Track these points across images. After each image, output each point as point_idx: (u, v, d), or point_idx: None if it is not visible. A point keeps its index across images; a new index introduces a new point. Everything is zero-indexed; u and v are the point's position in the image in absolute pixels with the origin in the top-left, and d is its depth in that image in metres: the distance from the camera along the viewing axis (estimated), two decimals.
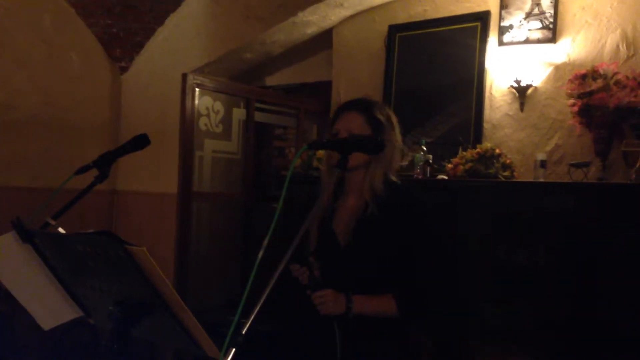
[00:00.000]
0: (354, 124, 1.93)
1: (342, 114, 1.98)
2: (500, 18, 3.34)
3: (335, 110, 2.04)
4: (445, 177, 3.17)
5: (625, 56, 3.02)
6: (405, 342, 1.97)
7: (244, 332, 1.22)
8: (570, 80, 2.96)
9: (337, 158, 1.78)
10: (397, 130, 2.01)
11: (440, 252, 1.98)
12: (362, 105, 1.98)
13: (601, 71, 2.89)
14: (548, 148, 3.18)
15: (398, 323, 1.93)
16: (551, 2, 3.18)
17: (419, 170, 3.24)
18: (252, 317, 1.26)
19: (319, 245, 1.96)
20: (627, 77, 2.85)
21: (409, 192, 1.98)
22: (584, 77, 2.91)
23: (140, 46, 4.72)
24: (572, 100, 2.95)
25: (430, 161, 3.26)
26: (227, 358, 1.19)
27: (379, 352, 1.91)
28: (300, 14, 3.84)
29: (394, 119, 2.02)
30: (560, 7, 3.19)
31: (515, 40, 3.28)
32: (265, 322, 1.43)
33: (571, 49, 3.16)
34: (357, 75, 3.99)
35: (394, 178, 1.98)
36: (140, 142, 1.86)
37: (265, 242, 1.48)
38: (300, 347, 1.93)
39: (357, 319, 1.86)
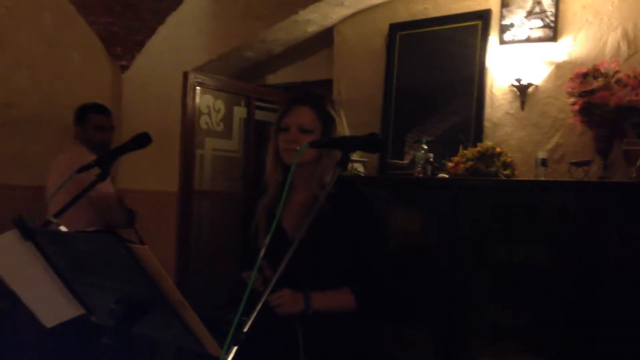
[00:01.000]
0: (304, 119, 1.90)
1: (292, 108, 1.93)
2: (501, 16, 3.34)
3: (285, 102, 1.98)
4: (446, 176, 3.17)
5: (627, 54, 3.02)
6: (368, 337, 1.97)
7: (245, 330, 1.23)
8: (571, 79, 2.96)
9: (293, 154, 1.81)
10: (344, 124, 1.98)
11: (388, 245, 1.99)
12: (312, 100, 1.94)
13: (602, 70, 2.88)
14: (549, 147, 3.18)
15: (359, 318, 1.92)
16: (552, 1, 3.18)
17: (419, 169, 3.24)
18: (254, 315, 1.27)
19: (270, 242, 1.94)
20: (628, 76, 2.85)
21: (354, 185, 1.97)
22: (585, 75, 2.91)
23: (141, 45, 4.72)
24: (573, 99, 2.95)
25: (431, 160, 3.26)
26: (229, 356, 1.19)
27: (342, 348, 1.90)
28: (301, 13, 3.84)
29: (341, 113, 1.98)
30: (561, 6, 3.18)
31: (516, 38, 3.28)
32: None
33: (572, 47, 3.16)
34: (358, 73, 3.99)
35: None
36: (142, 140, 1.87)
37: (267, 240, 1.48)
38: (264, 348, 1.90)
39: (318, 316, 1.85)
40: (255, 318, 1.26)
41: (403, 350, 3.03)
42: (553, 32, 3.17)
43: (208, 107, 4.17)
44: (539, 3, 3.21)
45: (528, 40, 3.23)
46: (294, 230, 1.92)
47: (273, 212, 1.93)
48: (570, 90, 2.95)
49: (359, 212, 1.90)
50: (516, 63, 3.24)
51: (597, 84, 2.84)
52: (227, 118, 4.33)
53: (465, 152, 3.14)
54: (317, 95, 1.98)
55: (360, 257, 1.89)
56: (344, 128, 1.96)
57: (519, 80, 3.23)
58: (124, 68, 4.84)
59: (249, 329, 1.23)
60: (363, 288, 1.88)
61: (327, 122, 1.91)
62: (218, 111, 4.25)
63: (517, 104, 3.30)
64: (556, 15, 3.17)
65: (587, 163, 2.89)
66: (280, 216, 1.92)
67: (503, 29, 3.33)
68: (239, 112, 4.38)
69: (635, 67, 2.92)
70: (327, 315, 1.86)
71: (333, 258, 1.89)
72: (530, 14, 3.24)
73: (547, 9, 3.19)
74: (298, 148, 1.83)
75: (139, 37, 4.67)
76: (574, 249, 2.66)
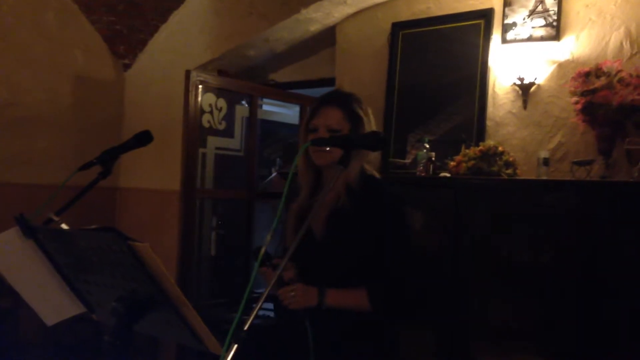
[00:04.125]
0: (333, 120, 1.91)
1: (320, 109, 1.94)
2: (504, 15, 3.34)
3: (314, 103, 1.99)
4: (448, 175, 3.17)
5: (629, 54, 3.01)
6: (380, 341, 1.95)
7: (246, 328, 1.23)
8: (574, 78, 2.95)
9: (322, 155, 1.82)
10: (373, 123, 1.99)
11: (412, 248, 1.96)
12: (340, 100, 1.96)
13: (605, 69, 2.88)
14: (551, 146, 3.18)
15: (373, 321, 1.91)
16: (555, 0, 3.17)
17: (421, 168, 3.24)
18: (254, 313, 1.27)
19: (299, 242, 1.95)
20: (631, 75, 2.84)
21: (382, 185, 1.97)
22: (587, 74, 2.90)
23: (143, 43, 4.73)
24: (575, 98, 2.94)
25: (433, 159, 3.26)
26: (230, 354, 1.19)
27: (353, 351, 1.90)
28: (303, 11, 3.84)
29: (370, 112, 1.99)
30: (564, 5, 3.18)
31: (518, 37, 3.27)
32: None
33: (575, 46, 3.16)
34: (360, 72, 3.99)
35: (371, 172, 1.98)
36: (144, 138, 1.87)
37: (268, 238, 1.48)
38: (274, 346, 1.92)
39: (331, 317, 1.85)
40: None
41: (405, 350, 3.03)
42: (555, 31, 3.17)
43: (210, 105, 4.17)
44: (542, 2, 3.21)
45: (530, 39, 3.23)
46: (320, 228, 1.93)
47: (303, 213, 1.94)
48: (572, 89, 2.95)
49: (379, 212, 1.90)
50: (518, 62, 3.23)
51: (599, 83, 2.84)
52: (230, 117, 4.33)
53: (467, 151, 3.14)
54: (345, 95, 2.00)
55: (379, 256, 1.89)
56: (372, 127, 1.97)
57: (521, 79, 3.22)
58: (127, 66, 4.85)
59: (248, 327, 1.23)
60: (379, 287, 1.87)
61: (355, 121, 1.93)
62: (220, 110, 4.25)
63: (520, 103, 3.30)
64: (559, 14, 3.17)
65: (589, 162, 2.88)
66: (309, 216, 1.95)
67: (505, 28, 3.32)
68: (241, 110, 4.38)
69: (638, 66, 2.91)
70: (340, 318, 1.87)
71: (351, 255, 1.89)
72: (532, 13, 3.24)
73: (550, 8, 3.18)
74: (327, 149, 1.85)
75: (142, 35, 4.67)
76: (576, 248, 2.65)
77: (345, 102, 1.95)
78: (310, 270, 1.91)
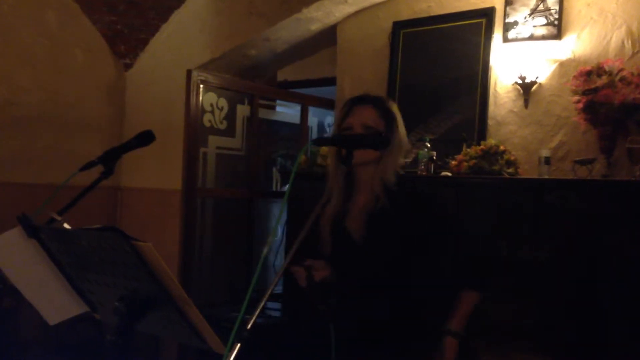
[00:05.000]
0: (368, 117, 1.92)
1: (355, 108, 1.96)
2: (505, 14, 3.33)
3: (345, 104, 2.01)
4: (449, 174, 3.17)
5: (631, 52, 3.01)
6: (402, 347, 1.94)
7: (249, 327, 1.23)
8: (575, 77, 2.95)
9: (356, 152, 1.80)
10: (402, 124, 2.01)
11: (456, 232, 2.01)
12: (374, 99, 1.98)
13: (606, 68, 2.88)
14: (552, 145, 3.17)
15: (396, 327, 1.92)
16: None
17: (422, 167, 3.24)
18: (257, 312, 1.27)
19: (334, 246, 1.95)
20: (632, 74, 2.84)
21: (414, 184, 1.99)
22: (588, 73, 2.90)
23: (144, 43, 4.73)
24: (576, 97, 2.94)
25: (434, 158, 3.26)
26: (232, 353, 1.19)
27: (375, 353, 1.91)
28: (304, 11, 3.84)
29: (399, 114, 2.02)
30: (565, 4, 3.18)
31: (520, 36, 3.27)
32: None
33: (576, 45, 3.15)
34: (361, 71, 3.99)
35: (400, 172, 2.00)
36: (146, 138, 1.87)
37: (270, 238, 1.48)
38: (297, 345, 1.93)
39: (356, 323, 1.87)
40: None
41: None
42: (557, 30, 3.17)
43: (211, 105, 4.17)
44: (543, 1, 3.21)
45: (532, 38, 3.23)
46: (358, 231, 1.93)
47: (337, 217, 1.95)
48: (574, 88, 2.95)
49: (424, 209, 1.91)
50: (520, 61, 3.23)
51: (601, 82, 2.84)
52: (231, 116, 4.33)
53: (468, 150, 3.14)
54: (376, 95, 2.03)
55: (449, 252, 1.93)
56: (402, 127, 1.99)
57: (522, 78, 3.22)
58: (128, 66, 4.85)
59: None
60: (472, 275, 1.94)
61: (389, 120, 1.94)
62: (221, 109, 4.25)
63: (521, 102, 3.30)
64: (560, 13, 3.17)
65: (590, 161, 2.88)
66: (345, 219, 1.95)
67: (507, 26, 3.32)
68: (242, 110, 4.38)
69: (639, 65, 2.91)
70: (364, 323, 1.89)
71: (398, 256, 1.89)
72: (534, 11, 3.24)
73: (551, 7, 3.18)
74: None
75: (143, 35, 4.67)
76: (578, 247, 2.65)
77: (378, 101, 1.98)
78: (350, 273, 1.92)
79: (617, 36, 3.05)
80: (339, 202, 1.97)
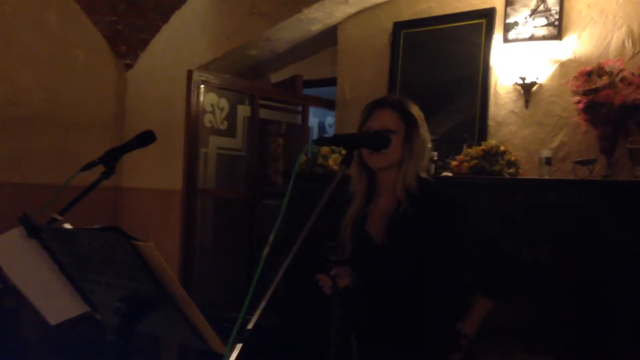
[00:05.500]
0: (389, 120, 1.91)
1: (375, 111, 1.95)
2: (506, 15, 3.34)
3: (365, 108, 2.00)
4: (450, 175, 3.17)
5: (631, 53, 3.01)
6: (416, 348, 1.94)
7: (249, 327, 1.23)
8: (576, 77, 2.95)
9: (379, 158, 1.83)
10: (425, 126, 1.99)
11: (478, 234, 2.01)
12: (395, 102, 1.97)
13: (607, 68, 2.88)
14: (553, 145, 3.17)
15: (416, 327, 1.92)
16: None
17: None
18: (258, 313, 1.27)
19: (355, 249, 1.95)
20: (633, 74, 2.84)
21: (440, 187, 1.97)
22: (589, 74, 2.90)
23: (145, 43, 4.73)
24: (577, 97, 2.94)
25: (435, 158, 3.26)
26: (233, 353, 1.19)
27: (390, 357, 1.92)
28: (305, 11, 3.84)
29: (422, 116, 1.99)
30: (566, 4, 3.18)
31: (520, 37, 3.27)
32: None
33: (577, 45, 3.15)
34: (361, 72, 3.99)
35: (424, 175, 1.97)
36: (146, 138, 1.87)
37: (271, 238, 1.48)
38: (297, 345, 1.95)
39: (376, 325, 1.89)
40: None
41: None
42: (557, 30, 3.17)
43: (212, 105, 4.17)
44: (544, 1, 3.21)
45: (532, 38, 3.23)
46: (379, 234, 1.92)
47: (358, 220, 1.95)
48: (574, 88, 2.95)
49: (444, 214, 1.90)
50: (520, 61, 3.23)
51: (601, 82, 2.84)
52: (231, 116, 4.33)
53: (469, 150, 3.14)
54: (397, 98, 2.02)
55: (468, 257, 1.93)
56: (425, 128, 1.97)
57: (523, 79, 3.22)
58: (129, 66, 4.85)
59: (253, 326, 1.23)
60: (490, 284, 1.97)
61: (410, 122, 1.92)
62: (222, 109, 4.25)
63: (521, 102, 3.30)
64: (561, 13, 3.17)
65: (591, 162, 2.88)
66: (366, 222, 1.95)
67: (507, 27, 3.32)
68: (243, 110, 4.38)
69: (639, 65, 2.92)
70: (384, 325, 1.90)
71: (416, 260, 1.89)
72: (534, 12, 3.24)
73: (552, 7, 3.18)
74: (383, 151, 1.84)
75: (144, 35, 4.67)
76: (578, 247, 2.65)
77: (398, 104, 1.96)
78: (370, 275, 1.92)
79: (617, 37, 3.05)
80: (361, 204, 1.97)
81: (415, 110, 1.97)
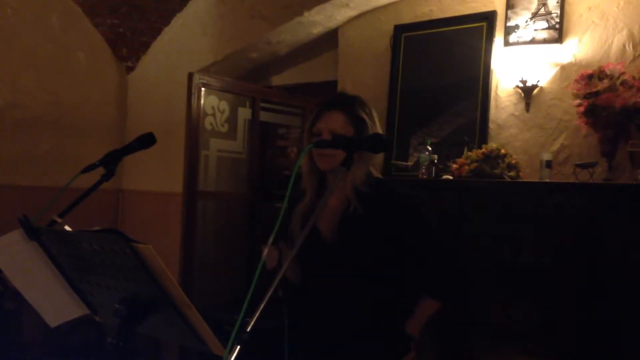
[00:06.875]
0: (336, 124, 1.90)
1: (323, 113, 1.93)
2: (507, 18, 3.34)
3: (315, 108, 1.99)
4: (451, 178, 3.17)
5: (632, 56, 3.01)
6: (392, 341, 1.95)
7: (248, 329, 1.23)
8: (577, 81, 2.95)
9: (325, 159, 1.84)
10: (378, 126, 1.98)
11: (435, 234, 2.01)
12: (343, 104, 1.94)
13: (607, 71, 2.88)
14: (554, 148, 3.17)
15: (387, 321, 1.94)
16: (557, 3, 3.17)
17: (424, 171, 3.24)
18: (257, 315, 1.27)
19: (304, 244, 1.95)
20: (634, 77, 2.84)
21: (391, 187, 1.98)
22: (590, 77, 2.90)
23: (146, 46, 4.74)
24: (578, 101, 2.94)
25: (436, 161, 3.26)
26: (232, 355, 1.19)
27: (363, 353, 1.92)
28: (306, 14, 3.85)
29: (375, 114, 1.99)
30: (567, 8, 3.18)
31: (521, 40, 3.27)
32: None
33: (577, 49, 3.16)
34: (362, 75, 3.99)
35: (375, 174, 1.98)
36: (147, 140, 1.87)
37: (270, 240, 1.48)
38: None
39: (320, 322, 1.90)
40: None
41: None
42: (558, 33, 3.17)
43: (213, 108, 4.18)
44: (544, 5, 3.21)
45: (533, 41, 3.23)
46: (329, 231, 1.94)
47: (308, 216, 1.94)
48: (575, 91, 2.95)
49: (399, 212, 1.91)
50: (521, 65, 3.23)
51: (602, 85, 2.84)
52: (232, 119, 4.34)
53: (469, 153, 3.14)
54: (348, 99, 1.98)
55: (418, 256, 1.93)
56: (377, 129, 1.95)
57: (524, 82, 3.22)
58: (130, 69, 4.86)
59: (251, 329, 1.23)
60: (438, 286, 1.95)
61: (359, 125, 1.91)
62: (223, 112, 4.26)
63: (522, 105, 3.30)
64: (561, 16, 3.17)
65: (592, 165, 2.88)
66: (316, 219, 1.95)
67: (508, 30, 3.32)
68: (244, 113, 4.38)
69: None
70: (356, 319, 1.91)
71: (369, 258, 1.90)
72: (535, 15, 3.24)
73: (553, 11, 3.18)
74: (330, 153, 1.85)
75: (145, 38, 4.69)
76: (579, 250, 2.65)
77: (348, 105, 1.93)
78: (317, 272, 1.92)
79: (618, 40, 3.05)
80: (310, 201, 1.97)
81: (365, 110, 1.94)
